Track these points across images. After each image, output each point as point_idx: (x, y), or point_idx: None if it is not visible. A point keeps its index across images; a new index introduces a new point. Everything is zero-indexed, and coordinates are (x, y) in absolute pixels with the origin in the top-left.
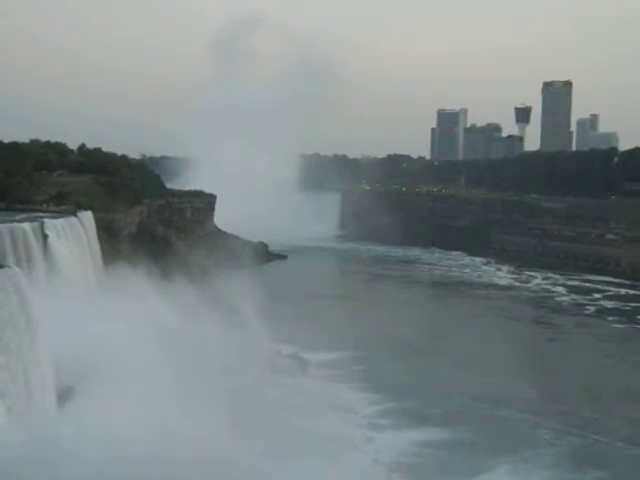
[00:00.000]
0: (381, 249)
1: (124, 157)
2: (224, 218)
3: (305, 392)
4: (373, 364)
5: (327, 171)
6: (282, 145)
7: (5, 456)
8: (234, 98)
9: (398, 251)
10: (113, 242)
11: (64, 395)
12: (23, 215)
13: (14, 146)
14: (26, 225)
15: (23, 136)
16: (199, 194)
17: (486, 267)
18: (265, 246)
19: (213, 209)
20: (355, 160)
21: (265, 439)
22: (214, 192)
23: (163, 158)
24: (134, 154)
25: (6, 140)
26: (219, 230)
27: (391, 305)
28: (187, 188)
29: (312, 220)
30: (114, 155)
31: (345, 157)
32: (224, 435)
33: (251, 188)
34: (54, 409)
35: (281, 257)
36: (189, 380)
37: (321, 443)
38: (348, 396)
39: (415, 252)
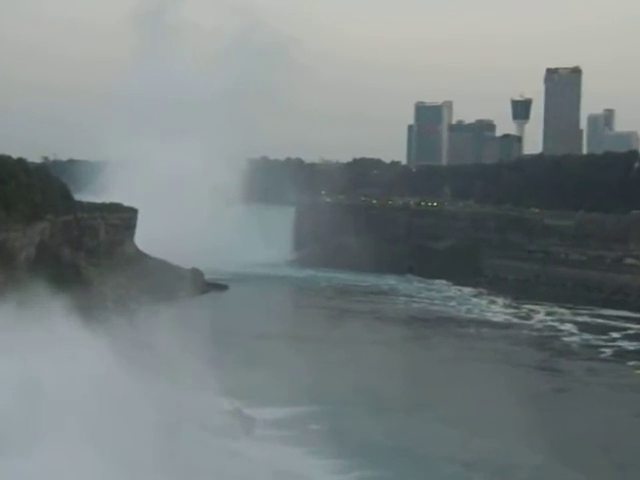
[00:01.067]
0: (346, 277)
1: (21, 161)
2: (147, 237)
3: (249, 458)
4: (336, 422)
5: (278, 179)
6: (221, 145)
7: None
8: (161, 85)
9: (368, 280)
10: (6, 268)
11: None
12: None
13: None
14: None
15: None
16: (116, 208)
17: (476, 299)
18: (200, 273)
19: (134, 226)
20: (313, 165)
21: None
22: (135, 205)
23: (71, 162)
24: (34, 157)
25: None
26: (141, 253)
27: (359, 348)
28: (101, 200)
29: (259, 240)
30: (8, 158)
31: (300, 161)
32: None
33: (181, 199)
34: None
35: (220, 287)
36: (103, 441)
37: None
38: (304, 463)
39: (389, 281)
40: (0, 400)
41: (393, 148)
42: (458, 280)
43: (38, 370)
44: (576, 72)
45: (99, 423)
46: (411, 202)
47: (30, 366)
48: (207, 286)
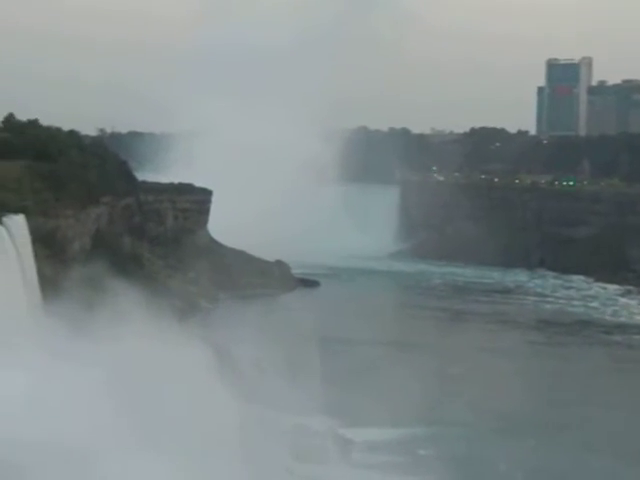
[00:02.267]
0: (464, 272)
1: (73, 134)
2: (223, 223)
3: None
4: (451, 447)
5: (379, 153)
6: (311, 111)
7: None
8: (237, 40)
9: (490, 275)
10: (57, 262)
11: None
12: None
13: None
14: None
15: None
16: (186, 189)
17: (624, 299)
18: (286, 267)
19: (207, 211)
20: (422, 136)
21: None
22: (208, 185)
23: (132, 134)
24: (88, 129)
25: None
26: (216, 242)
27: (478, 357)
28: (168, 180)
29: (356, 227)
30: (58, 131)
31: (407, 132)
32: None
33: (263, 178)
34: None
35: (310, 284)
36: (175, 469)
37: None
38: None
39: (515, 276)
40: (21, 422)
41: (520, 115)
42: (601, 275)
43: (89, 384)
44: None
45: (179, 438)
46: (542, 181)
47: (77, 379)
48: (294, 282)
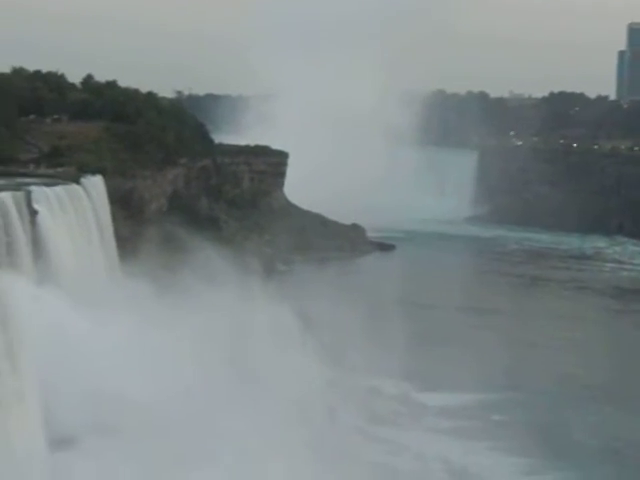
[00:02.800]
0: (540, 237)
1: (151, 95)
2: (298, 186)
3: (419, 453)
4: (525, 413)
5: (457, 117)
6: (389, 74)
7: None
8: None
9: (567, 241)
10: (134, 222)
11: (58, 448)
12: (1, 181)
13: None
14: (5, 195)
15: (1, 64)
16: (263, 151)
17: None
18: (361, 230)
19: (284, 174)
20: (500, 100)
21: None
22: (285, 147)
23: (209, 97)
24: (166, 91)
25: None
26: (291, 205)
27: (554, 323)
28: (245, 142)
29: (433, 191)
30: (136, 92)
31: (485, 96)
32: None
33: (340, 141)
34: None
35: (386, 247)
36: (256, 429)
37: None
38: (485, 461)
39: (593, 242)
40: (95, 377)
41: (600, 80)
42: None
43: (161, 344)
44: None
45: (236, 405)
46: (622, 146)
47: (151, 337)
48: (370, 245)
